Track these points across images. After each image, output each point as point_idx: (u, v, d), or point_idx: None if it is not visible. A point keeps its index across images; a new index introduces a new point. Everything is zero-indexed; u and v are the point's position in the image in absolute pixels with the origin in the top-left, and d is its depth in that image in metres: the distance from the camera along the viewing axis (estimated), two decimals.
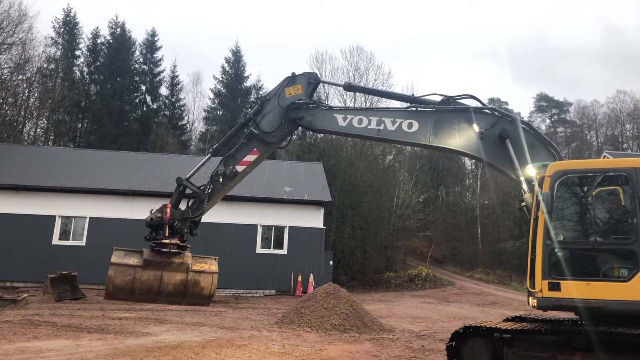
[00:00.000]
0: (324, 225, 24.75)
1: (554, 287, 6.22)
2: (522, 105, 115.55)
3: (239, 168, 8.71)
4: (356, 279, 35.61)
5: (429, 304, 22.43)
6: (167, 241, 8.21)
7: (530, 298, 6.74)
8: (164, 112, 48.96)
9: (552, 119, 66.03)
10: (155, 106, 48.68)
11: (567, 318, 7.67)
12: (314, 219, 24.00)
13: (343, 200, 34.86)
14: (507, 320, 8.12)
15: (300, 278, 22.28)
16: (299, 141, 39.35)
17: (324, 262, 24.33)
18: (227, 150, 9.01)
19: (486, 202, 47.90)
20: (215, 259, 8.90)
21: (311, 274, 22.47)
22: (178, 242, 8.35)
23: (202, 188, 8.68)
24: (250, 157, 8.79)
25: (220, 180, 8.69)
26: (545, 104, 65.72)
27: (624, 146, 55.03)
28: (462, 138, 7.77)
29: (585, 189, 6.81)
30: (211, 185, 8.67)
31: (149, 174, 24.53)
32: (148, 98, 48.53)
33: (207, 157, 9.51)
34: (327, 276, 23.57)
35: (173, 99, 49.93)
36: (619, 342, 5.88)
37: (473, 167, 54.71)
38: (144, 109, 48.14)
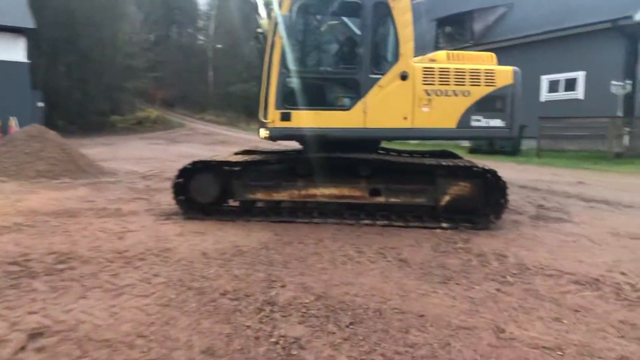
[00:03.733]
0: (28, 59, 20.12)
1: (286, 117, 6.03)
2: None
3: None
4: (75, 123, 31.88)
5: (158, 145, 21.57)
6: None
7: (262, 129, 6.48)
8: None
9: None
10: None
11: (292, 149, 7.86)
12: (13, 51, 19.20)
13: (55, 32, 28.85)
14: (235, 154, 7.91)
15: None
16: None
17: (30, 104, 20.30)
18: None
19: (218, 45, 46.96)
20: None
21: (12, 118, 18.54)
22: None
23: None
24: None
25: None
26: None
27: None
28: None
29: (322, 15, 6.52)
30: None
31: None
32: None
33: None
34: (36, 120, 19.82)
35: None
36: (335, 166, 6.21)
37: (207, 7, 52.03)
38: None
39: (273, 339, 2.99)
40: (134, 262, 4.40)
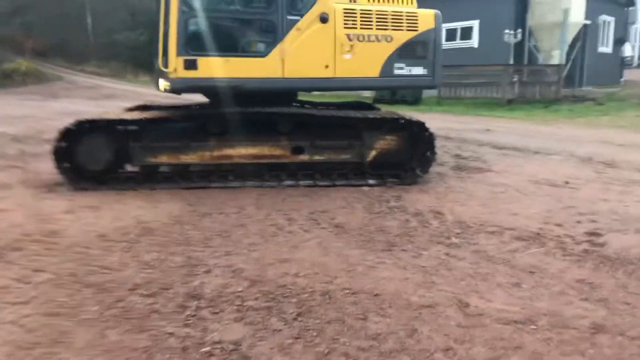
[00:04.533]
0: None
1: (191, 65, 5.13)
2: None
3: None
4: None
5: (33, 100, 18.82)
6: None
7: (162, 80, 5.52)
8: None
9: None
10: None
11: (195, 103, 6.95)
12: None
13: None
14: (129, 110, 6.82)
15: None
16: None
17: None
18: None
19: None
20: None
21: None
22: None
23: None
24: None
25: None
26: None
27: None
28: None
29: None
30: None
31: None
32: None
33: None
34: None
35: None
36: (252, 121, 5.50)
37: None
38: None
39: (206, 348, 2.36)
40: (7, 255, 3.44)
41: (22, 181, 5.70)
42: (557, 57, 17.04)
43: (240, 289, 2.97)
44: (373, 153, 5.66)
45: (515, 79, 16.22)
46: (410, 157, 5.72)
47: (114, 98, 19.87)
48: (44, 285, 2.98)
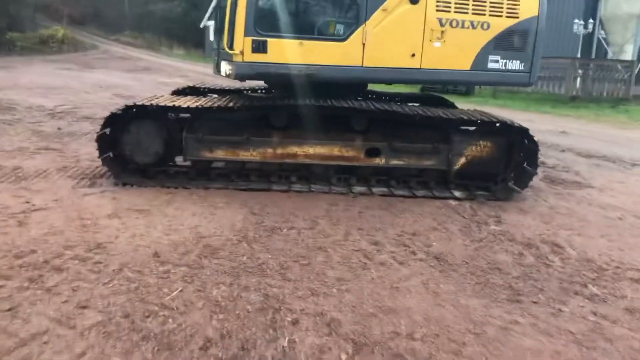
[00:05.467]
0: None
1: (260, 47, 4.37)
2: None
3: None
4: None
5: (69, 70, 18.42)
6: None
7: (224, 63, 4.78)
8: None
9: None
10: None
11: (250, 88, 6.22)
12: None
13: None
14: (178, 93, 6.14)
15: None
16: None
17: None
18: None
19: None
20: None
21: None
22: None
23: None
24: None
25: None
26: None
27: None
28: None
29: None
30: None
31: None
32: None
33: None
34: None
35: None
36: (321, 115, 4.73)
37: None
38: None
39: None
40: (47, 279, 2.78)
41: (60, 169, 5.08)
42: (629, 52, 15.62)
43: (343, 358, 2.25)
44: (462, 160, 4.84)
45: (579, 74, 14.96)
46: (504, 167, 4.88)
47: (151, 71, 19.34)
48: (91, 332, 2.31)
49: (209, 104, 4.69)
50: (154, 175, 4.80)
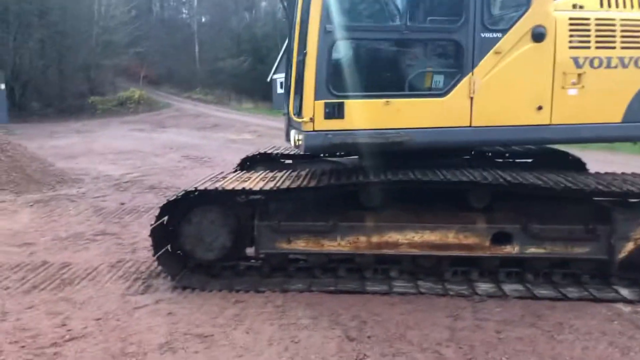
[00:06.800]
0: None
1: (335, 111, 3.40)
2: None
3: None
4: (52, 105, 29.15)
5: (141, 131, 18.70)
6: None
7: (294, 133, 3.83)
8: None
9: None
10: None
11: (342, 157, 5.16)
12: None
13: (21, 4, 25.59)
14: (247, 160, 5.30)
15: None
16: None
17: None
18: None
19: (203, 18, 43.57)
20: None
21: None
22: None
23: None
24: None
25: None
26: None
27: None
28: None
29: None
30: None
31: None
32: None
33: None
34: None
35: None
36: (425, 190, 3.63)
37: None
38: None
39: None
40: None
41: (113, 265, 4.27)
42: None
43: None
44: (630, 246, 3.50)
45: None
46: None
47: (220, 128, 19.25)
48: None
49: (286, 182, 3.74)
50: (219, 273, 3.86)
